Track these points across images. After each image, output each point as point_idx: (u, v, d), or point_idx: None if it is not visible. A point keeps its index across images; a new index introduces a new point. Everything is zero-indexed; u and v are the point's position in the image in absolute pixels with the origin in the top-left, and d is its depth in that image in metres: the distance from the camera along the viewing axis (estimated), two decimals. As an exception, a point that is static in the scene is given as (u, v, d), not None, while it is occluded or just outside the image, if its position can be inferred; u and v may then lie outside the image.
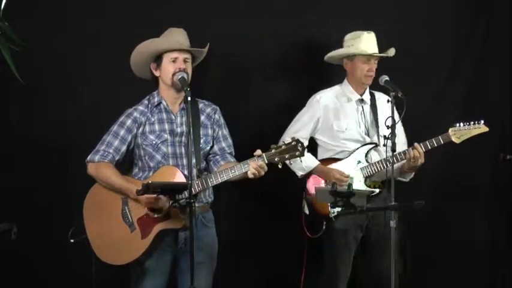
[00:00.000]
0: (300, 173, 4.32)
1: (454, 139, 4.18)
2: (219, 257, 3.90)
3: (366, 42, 4.28)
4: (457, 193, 4.90)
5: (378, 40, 4.34)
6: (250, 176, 3.60)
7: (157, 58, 3.79)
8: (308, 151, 4.31)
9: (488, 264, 4.99)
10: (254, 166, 3.57)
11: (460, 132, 4.18)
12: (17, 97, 4.32)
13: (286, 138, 4.23)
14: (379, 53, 4.30)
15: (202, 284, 3.70)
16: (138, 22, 4.46)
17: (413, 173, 4.33)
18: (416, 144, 4.15)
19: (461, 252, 4.94)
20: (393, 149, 3.78)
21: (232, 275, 4.55)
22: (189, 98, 3.50)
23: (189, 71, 3.79)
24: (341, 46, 4.38)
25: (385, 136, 3.82)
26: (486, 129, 4.21)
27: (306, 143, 4.34)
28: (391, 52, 4.35)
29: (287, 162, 3.70)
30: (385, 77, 4.16)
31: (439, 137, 4.18)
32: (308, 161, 4.28)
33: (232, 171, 3.62)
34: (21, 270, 4.39)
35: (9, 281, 4.36)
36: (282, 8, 4.71)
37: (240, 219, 4.67)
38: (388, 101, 3.89)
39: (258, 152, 3.58)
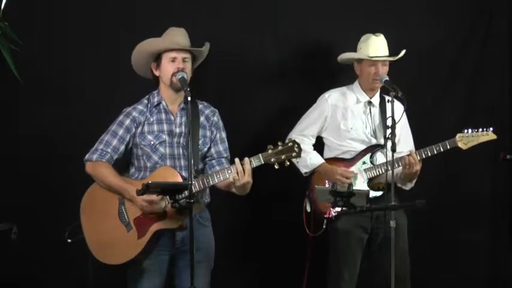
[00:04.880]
0: (304, 171, 4.33)
1: (460, 145, 4.15)
2: (220, 256, 3.91)
3: (372, 46, 4.28)
4: (457, 193, 4.90)
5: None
6: (230, 179, 3.58)
7: (157, 58, 3.79)
8: (314, 149, 4.35)
9: (488, 264, 5.00)
10: (234, 170, 3.56)
11: (468, 139, 4.16)
12: (17, 97, 4.32)
13: (293, 135, 4.26)
14: (389, 55, 4.28)
15: (200, 283, 3.68)
16: (138, 22, 4.46)
17: (413, 182, 4.28)
18: (411, 151, 4.14)
19: (461, 253, 4.94)
20: (393, 149, 3.78)
21: (232, 275, 4.56)
22: (189, 98, 3.50)
23: (188, 70, 3.78)
24: (348, 48, 4.39)
25: (385, 136, 3.83)
26: (494, 136, 4.20)
27: (313, 141, 4.37)
28: (401, 54, 4.32)
29: (294, 160, 3.70)
30: (385, 77, 4.18)
31: (446, 142, 4.15)
32: (313, 159, 4.29)
33: (224, 174, 3.60)
34: (21, 270, 4.39)
35: (9, 281, 4.35)
36: (283, 9, 4.70)
37: (241, 218, 4.67)
38: (388, 100, 3.89)
39: (246, 159, 3.57)
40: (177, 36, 3.81)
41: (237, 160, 3.59)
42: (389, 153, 3.82)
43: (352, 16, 4.74)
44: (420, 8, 4.85)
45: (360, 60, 4.32)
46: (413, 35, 4.78)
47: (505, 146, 4.81)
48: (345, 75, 4.49)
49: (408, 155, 4.11)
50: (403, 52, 4.31)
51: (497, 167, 4.86)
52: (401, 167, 4.16)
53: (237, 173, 3.55)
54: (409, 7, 4.84)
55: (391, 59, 4.29)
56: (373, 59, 4.25)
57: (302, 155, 4.13)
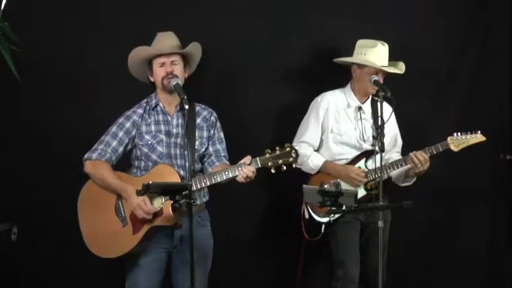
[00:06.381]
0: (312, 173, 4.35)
1: (452, 147, 4.25)
2: (219, 257, 3.91)
3: (378, 54, 4.26)
4: (457, 193, 4.90)
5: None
6: (241, 180, 3.63)
7: (150, 64, 3.87)
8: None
9: (487, 264, 5.00)
10: (246, 171, 3.60)
11: (458, 141, 4.25)
12: (16, 97, 4.32)
13: (294, 143, 4.27)
14: (388, 64, 4.28)
15: (197, 282, 3.69)
16: (137, 22, 4.47)
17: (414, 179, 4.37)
18: (417, 152, 4.20)
19: (461, 253, 4.94)
20: (382, 149, 3.80)
21: (231, 275, 4.56)
22: (186, 106, 3.53)
23: (179, 72, 3.83)
24: (347, 49, 4.39)
25: (373, 136, 3.85)
26: (483, 138, 4.30)
27: (314, 146, 4.38)
28: (401, 68, 4.34)
29: (298, 166, 3.74)
30: (374, 77, 4.18)
31: (438, 144, 4.24)
32: (315, 161, 4.32)
33: (226, 173, 3.64)
34: (21, 270, 4.39)
35: (9, 281, 4.36)
36: (282, 9, 4.70)
37: (239, 219, 4.67)
38: (379, 99, 3.91)
39: (248, 158, 3.61)
40: (165, 40, 3.88)
41: (246, 165, 3.61)
42: (382, 155, 3.82)
43: (352, 17, 4.74)
44: (420, 9, 4.85)
45: (361, 66, 4.30)
46: (413, 35, 4.79)
47: (504, 147, 4.82)
48: (346, 76, 4.48)
49: (414, 154, 4.17)
50: (402, 66, 4.35)
51: (497, 167, 4.87)
52: (400, 169, 4.23)
53: (244, 178, 3.62)
54: (409, 7, 4.83)
55: (397, 71, 4.29)
56: (384, 68, 4.24)
57: (303, 159, 4.18)
